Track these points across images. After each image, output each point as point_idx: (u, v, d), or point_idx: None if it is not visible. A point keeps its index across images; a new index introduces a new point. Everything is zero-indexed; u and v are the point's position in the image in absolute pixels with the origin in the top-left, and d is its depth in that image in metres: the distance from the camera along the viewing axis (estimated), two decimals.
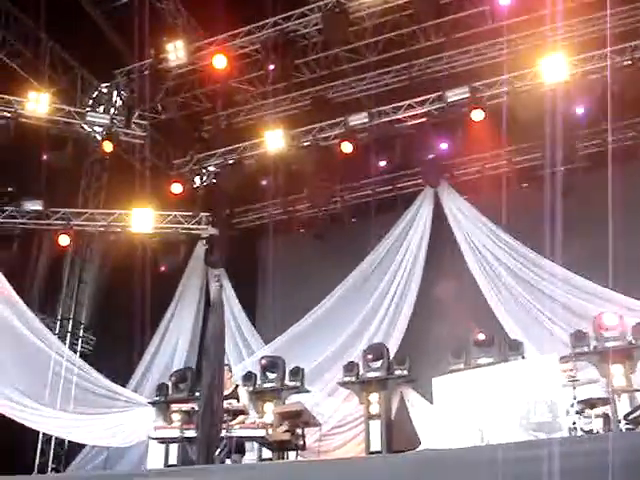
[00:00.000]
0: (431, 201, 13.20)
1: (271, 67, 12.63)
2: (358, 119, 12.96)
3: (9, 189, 13.32)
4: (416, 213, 13.22)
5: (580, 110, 11.66)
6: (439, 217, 13.03)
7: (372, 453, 10.83)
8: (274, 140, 13.30)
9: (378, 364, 11.64)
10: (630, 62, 11.30)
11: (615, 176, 12.42)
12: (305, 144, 13.32)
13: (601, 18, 11.97)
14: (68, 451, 13.55)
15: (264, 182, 13.64)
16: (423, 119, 12.77)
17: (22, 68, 13.38)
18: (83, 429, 12.39)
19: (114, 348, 13.50)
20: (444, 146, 12.94)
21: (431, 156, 13.22)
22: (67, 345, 13.53)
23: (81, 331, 14.45)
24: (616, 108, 11.60)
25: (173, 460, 10.87)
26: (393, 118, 12.91)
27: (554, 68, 11.41)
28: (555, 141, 11.76)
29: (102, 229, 13.93)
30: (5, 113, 12.74)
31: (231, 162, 13.99)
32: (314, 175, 13.43)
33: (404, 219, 13.25)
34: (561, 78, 11.39)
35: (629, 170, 12.65)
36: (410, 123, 12.89)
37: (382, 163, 13.10)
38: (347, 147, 12.91)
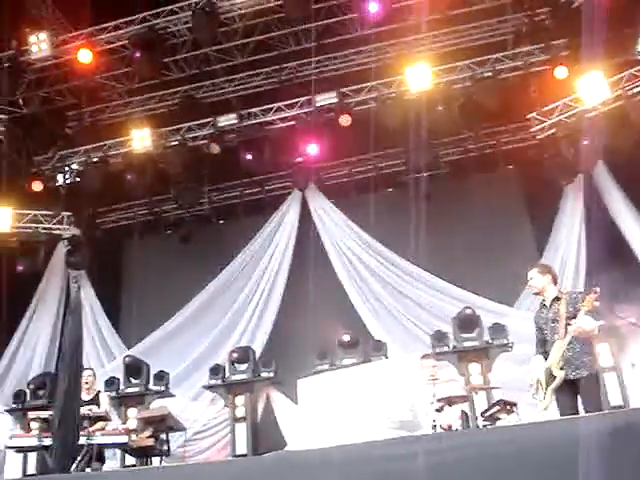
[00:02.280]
0: (299, 203, 13.31)
1: (137, 64, 12.35)
2: (227, 120, 12.90)
3: None
4: (284, 215, 13.30)
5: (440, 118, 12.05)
6: (306, 219, 13.16)
7: (237, 456, 10.78)
8: (141, 139, 12.99)
9: (244, 366, 11.63)
10: (491, 74, 11.82)
11: (475, 183, 13.07)
12: (173, 143, 13.11)
13: (465, 30, 12.53)
14: None
15: (130, 181, 13.27)
16: (292, 122, 12.87)
17: None
18: None
19: None
20: (312, 149, 13.05)
21: (299, 159, 13.35)
22: None
23: None
24: (477, 117, 12.16)
25: (31, 470, 10.42)
26: (262, 120, 12.93)
27: (418, 77, 11.75)
28: (419, 147, 12.18)
29: None
30: None
31: (95, 160, 13.54)
32: (182, 175, 13.25)
33: (272, 221, 13.30)
34: (425, 86, 11.75)
35: (489, 177, 13.30)
36: (279, 126, 12.96)
37: (250, 165, 13.05)
38: (215, 148, 12.83)
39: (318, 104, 12.59)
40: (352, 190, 13.80)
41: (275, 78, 13.40)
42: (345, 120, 12.31)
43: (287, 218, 13.24)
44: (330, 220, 13.01)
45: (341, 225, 12.95)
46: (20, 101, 13.66)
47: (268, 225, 13.27)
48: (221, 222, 14.61)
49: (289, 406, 11.44)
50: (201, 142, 13.10)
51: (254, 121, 12.93)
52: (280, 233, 13.12)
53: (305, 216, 13.19)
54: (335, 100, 12.49)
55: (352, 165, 13.98)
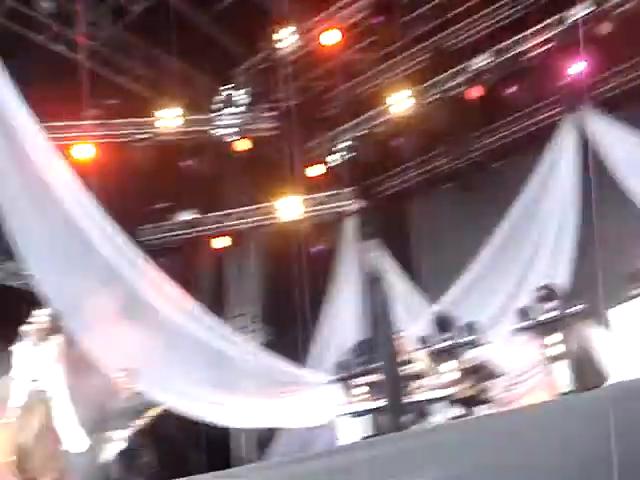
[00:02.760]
0: (574, 128, 12.60)
1: (381, 30, 12.52)
2: (481, 61, 12.61)
3: (161, 205, 14.03)
4: (561, 144, 12.65)
5: None
6: (586, 142, 12.42)
7: (563, 395, 10.54)
8: (401, 102, 13.17)
9: (551, 304, 11.30)
10: None
11: None
12: (433, 98, 13.09)
13: None
14: (262, 438, 14.08)
15: (399, 146, 13.52)
16: (548, 45, 12.21)
17: (148, 89, 13.98)
18: (272, 414, 12.84)
19: (287, 334, 13.88)
20: (576, 68, 12.28)
21: (564, 82, 12.62)
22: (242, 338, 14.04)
23: (255, 324, 14.98)
24: None
25: (364, 432, 11.04)
26: (517, 52, 12.43)
27: None
28: None
29: (254, 224, 14.42)
30: (142, 135, 13.36)
31: (363, 133, 13.98)
32: (448, 127, 13.19)
33: (550, 152, 12.73)
34: None
35: None
36: (536, 52, 12.36)
37: (514, 100, 12.61)
38: (476, 91, 12.59)
39: (571, 19, 11.81)
40: (630, 99, 12.75)
41: (519, 5, 12.79)
42: (605, 28, 11.42)
43: (565, 145, 12.58)
44: (613, 137, 12.13)
45: (628, 140, 12.01)
46: (282, 96, 14.51)
47: (547, 157, 12.73)
48: (497, 165, 14.28)
49: (605, 337, 10.96)
50: (460, 89, 12.94)
51: (508, 55, 12.49)
52: (561, 163, 12.52)
53: (584, 140, 12.45)
54: (589, 10, 11.63)
55: (624, 74, 12.91)
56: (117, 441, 8.92)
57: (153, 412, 9.05)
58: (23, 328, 6.90)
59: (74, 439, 6.75)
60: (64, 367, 6.92)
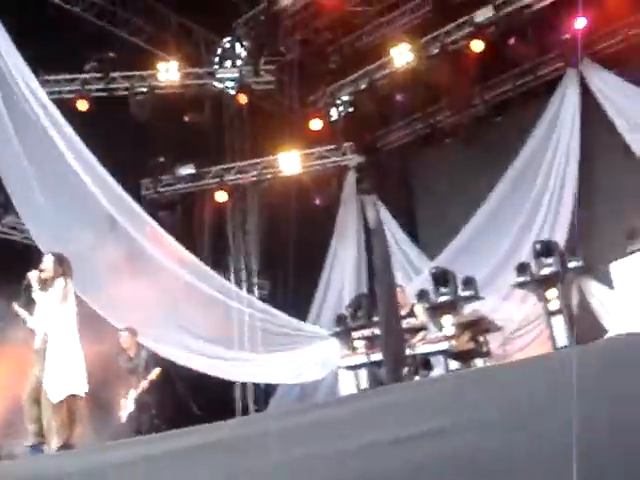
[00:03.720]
0: (576, 82, 12.51)
1: None
2: (484, 14, 12.44)
3: (160, 159, 14.01)
4: (562, 98, 12.58)
5: None
6: (587, 98, 12.36)
7: (559, 349, 10.68)
8: (402, 55, 13.06)
9: (550, 260, 11.37)
10: None
11: None
12: (434, 52, 12.97)
13: None
14: (265, 391, 14.30)
15: (400, 99, 13.44)
16: None
17: (147, 43, 13.85)
18: (274, 369, 13.01)
19: (287, 288, 13.98)
20: (580, 22, 12.14)
21: (568, 35, 12.48)
22: (244, 293, 14.16)
23: (255, 278, 15.08)
24: None
25: (363, 385, 11.20)
26: (520, 5, 12.28)
27: None
28: None
29: (254, 179, 14.43)
30: (141, 89, 13.28)
31: (364, 87, 13.89)
32: (450, 81, 13.09)
33: (551, 106, 12.65)
34: None
35: None
36: (539, 6, 12.20)
37: (517, 54, 12.49)
38: (478, 45, 12.47)
39: None
40: (633, 55, 12.63)
41: None
42: None
43: (566, 100, 12.50)
44: (614, 92, 12.05)
45: (631, 96, 11.93)
46: (282, 49, 14.38)
47: (548, 112, 12.65)
48: (499, 119, 14.18)
49: (604, 292, 11.05)
50: (462, 43, 12.81)
51: (511, 8, 12.33)
52: (563, 116, 12.45)
53: (585, 95, 12.38)
54: None
55: (629, 27, 12.75)
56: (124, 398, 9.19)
57: (154, 374, 9.30)
58: (30, 274, 6.99)
59: (75, 382, 6.82)
60: (70, 309, 7.02)
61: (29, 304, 7.04)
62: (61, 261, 7.09)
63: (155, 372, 9.33)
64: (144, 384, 9.14)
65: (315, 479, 3.62)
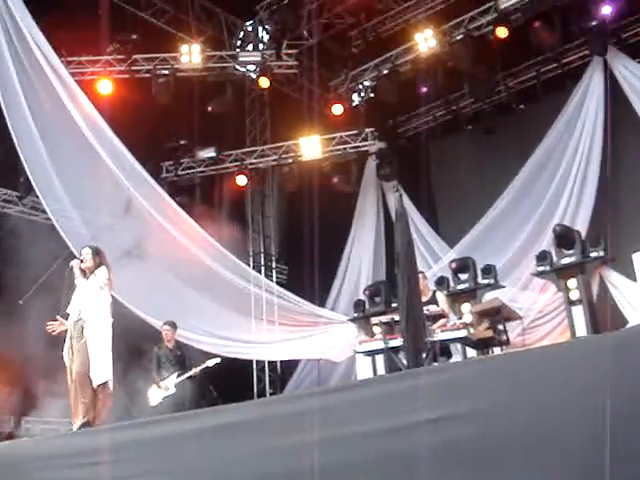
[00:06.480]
0: (602, 71, 12.35)
1: None
2: (508, 0, 12.33)
3: (181, 142, 14.04)
4: (587, 86, 12.43)
5: None
6: (613, 87, 12.20)
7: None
8: (425, 41, 12.97)
9: (571, 251, 11.28)
10: None
11: None
12: (458, 38, 12.85)
13: None
14: (282, 375, 14.37)
15: (422, 86, 13.38)
16: None
17: (169, 25, 13.83)
18: (292, 351, 13.06)
19: (306, 273, 13.99)
20: (607, 9, 11.99)
21: (594, 22, 12.33)
22: (263, 277, 14.20)
23: (274, 262, 15.11)
24: None
25: (381, 370, 11.21)
26: None
27: None
28: None
29: (275, 163, 14.44)
30: (163, 71, 13.29)
31: (386, 72, 13.81)
32: (472, 67, 12.98)
33: (575, 95, 12.49)
34: None
35: None
36: None
37: (542, 41, 12.35)
38: (502, 32, 12.34)
39: None
40: None
41: None
42: None
43: (591, 88, 12.35)
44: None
45: None
46: (304, 33, 14.33)
47: (572, 100, 12.51)
48: (522, 107, 14.03)
49: (625, 283, 10.96)
50: (486, 29, 12.69)
51: None
52: (586, 106, 12.31)
53: (611, 84, 12.23)
54: None
55: None
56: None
57: (212, 362, 9.85)
58: (73, 262, 7.37)
59: (100, 370, 6.96)
60: (106, 297, 7.29)
61: (71, 288, 7.35)
62: (98, 253, 7.44)
63: (215, 360, 9.87)
64: (196, 370, 9.63)
65: (339, 459, 3.64)
